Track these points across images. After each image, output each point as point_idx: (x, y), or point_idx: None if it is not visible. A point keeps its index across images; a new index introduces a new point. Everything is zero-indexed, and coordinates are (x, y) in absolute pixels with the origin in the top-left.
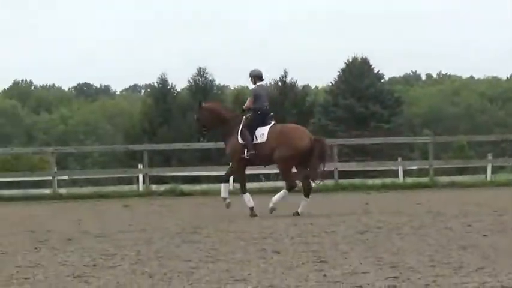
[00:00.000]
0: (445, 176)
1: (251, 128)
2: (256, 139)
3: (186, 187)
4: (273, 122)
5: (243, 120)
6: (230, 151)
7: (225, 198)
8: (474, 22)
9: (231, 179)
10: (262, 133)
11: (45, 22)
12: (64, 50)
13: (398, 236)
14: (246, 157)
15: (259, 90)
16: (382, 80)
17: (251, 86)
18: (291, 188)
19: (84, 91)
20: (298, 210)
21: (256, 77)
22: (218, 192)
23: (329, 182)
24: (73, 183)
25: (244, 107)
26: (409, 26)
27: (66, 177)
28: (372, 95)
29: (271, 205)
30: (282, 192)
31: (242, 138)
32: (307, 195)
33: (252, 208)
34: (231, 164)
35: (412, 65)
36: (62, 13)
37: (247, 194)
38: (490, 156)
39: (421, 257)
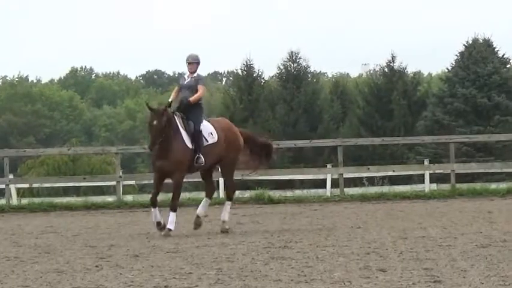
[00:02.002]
0: None
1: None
2: (207, 140)
3: (275, 193)
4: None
5: (177, 117)
6: (174, 160)
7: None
8: None
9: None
10: (210, 132)
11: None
12: (130, 31)
13: None
14: (198, 165)
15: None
16: (509, 66)
17: (200, 72)
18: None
19: (154, 80)
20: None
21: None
22: (314, 199)
23: (445, 187)
24: (141, 189)
25: (192, 99)
26: None
27: (133, 182)
28: (496, 83)
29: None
30: (227, 204)
31: (194, 141)
32: (211, 197)
33: (158, 223)
34: (174, 178)
35: None
36: None
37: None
38: None
39: None
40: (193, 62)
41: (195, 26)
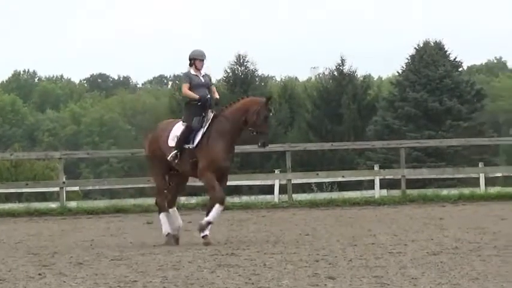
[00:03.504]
0: None
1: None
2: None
3: None
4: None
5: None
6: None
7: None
8: None
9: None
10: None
11: (51, 3)
12: (74, 35)
13: (479, 258)
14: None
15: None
16: (460, 69)
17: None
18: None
19: (98, 84)
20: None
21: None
22: (262, 206)
23: (395, 193)
24: (85, 195)
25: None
26: (492, 3)
27: (77, 188)
28: (447, 86)
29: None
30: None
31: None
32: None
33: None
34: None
35: (496, 51)
36: None
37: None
38: None
39: (507, 284)
40: (203, 59)
41: (138, 28)
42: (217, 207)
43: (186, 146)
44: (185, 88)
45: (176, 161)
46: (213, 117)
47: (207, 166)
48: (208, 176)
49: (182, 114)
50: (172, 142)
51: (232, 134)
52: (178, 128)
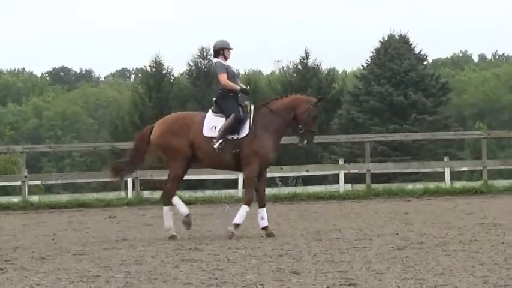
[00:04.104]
0: (502, 179)
1: None
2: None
3: (185, 194)
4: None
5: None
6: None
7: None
8: None
9: None
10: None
11: None
12: (35, 27)
13: (445, 252)
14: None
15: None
16: (425, 63)
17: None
18: None
19: (60, 77)
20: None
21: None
22: (224, 200)
23: (360, 187)
24: (47, 189)
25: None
26: None
27: (38, 183)
28: (412, 80)
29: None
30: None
31: None
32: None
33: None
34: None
35: (462, 44)
36: None
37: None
38: None
39: (473, 279)
40: (231, 49)
41: (101, 21)
42: (244, 208)
43: (230, 137)
44: (224, 78)
45: (219, 150)
46: (255, 109)
47: (254, 157)
48: (253, 168)
49: (218, 105)
50: (210, 132)
51: (281, 128)
52: (214, 119)
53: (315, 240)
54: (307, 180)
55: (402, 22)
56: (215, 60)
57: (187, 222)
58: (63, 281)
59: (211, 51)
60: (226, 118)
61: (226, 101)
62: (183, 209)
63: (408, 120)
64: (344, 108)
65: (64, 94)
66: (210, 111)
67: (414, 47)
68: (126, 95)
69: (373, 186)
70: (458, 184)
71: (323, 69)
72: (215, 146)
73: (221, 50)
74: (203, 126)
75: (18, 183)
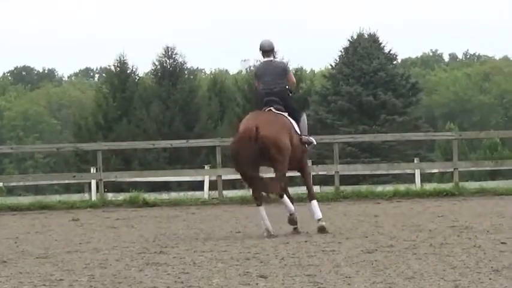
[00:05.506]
0: (473, 181)
1: None
2: None
3: (150, 196)
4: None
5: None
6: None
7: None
8: None
9: None
10: None
11: None
12: None
13: (415, 256)
14: None
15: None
16: (395, 62)
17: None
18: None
19: (23, 77)
20: None
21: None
22: (191, 202)
23: (328, 189)
24: (9, 191)
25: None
26: None
27: (0, 184)
28: (382, 80)
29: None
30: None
31: None
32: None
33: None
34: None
35: (432, 44)
36: None
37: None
38: None
39: (444, 283)
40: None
41: (64, 19)
42: (316, 203)
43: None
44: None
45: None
46: None
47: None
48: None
49: (287, 103)
50: (299, 131)
51: None
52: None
53: (282, 244)
54: None
55: (371, 20)
56: (272, 58)
57: (293, 220)
58: (26, 285)
59: (261, 50)
60: (293, 117)
61: (294, 102)
62: (290, 206)
63: (377, 121)
64: (312, 109)
65: (26, 94)
66: (272, 109)
67: (384, 46)
68: (90, 95)
69: (342, 188)
70: (429, 186)
71: (290, 69)
72: (315, 143)
73: (271, 51)
74: (292, 126)
75: None
